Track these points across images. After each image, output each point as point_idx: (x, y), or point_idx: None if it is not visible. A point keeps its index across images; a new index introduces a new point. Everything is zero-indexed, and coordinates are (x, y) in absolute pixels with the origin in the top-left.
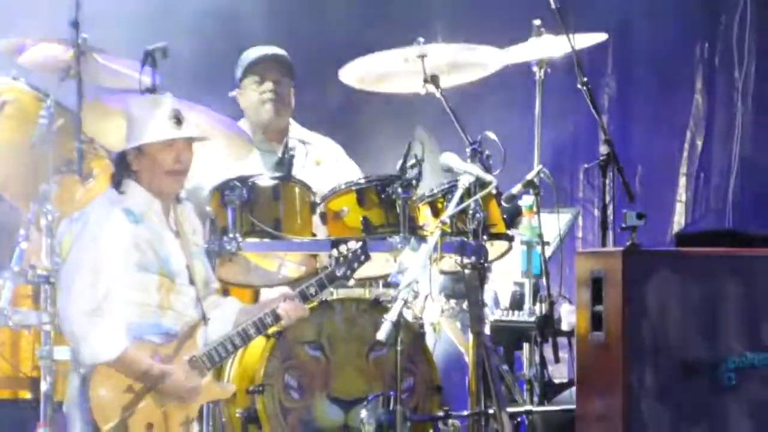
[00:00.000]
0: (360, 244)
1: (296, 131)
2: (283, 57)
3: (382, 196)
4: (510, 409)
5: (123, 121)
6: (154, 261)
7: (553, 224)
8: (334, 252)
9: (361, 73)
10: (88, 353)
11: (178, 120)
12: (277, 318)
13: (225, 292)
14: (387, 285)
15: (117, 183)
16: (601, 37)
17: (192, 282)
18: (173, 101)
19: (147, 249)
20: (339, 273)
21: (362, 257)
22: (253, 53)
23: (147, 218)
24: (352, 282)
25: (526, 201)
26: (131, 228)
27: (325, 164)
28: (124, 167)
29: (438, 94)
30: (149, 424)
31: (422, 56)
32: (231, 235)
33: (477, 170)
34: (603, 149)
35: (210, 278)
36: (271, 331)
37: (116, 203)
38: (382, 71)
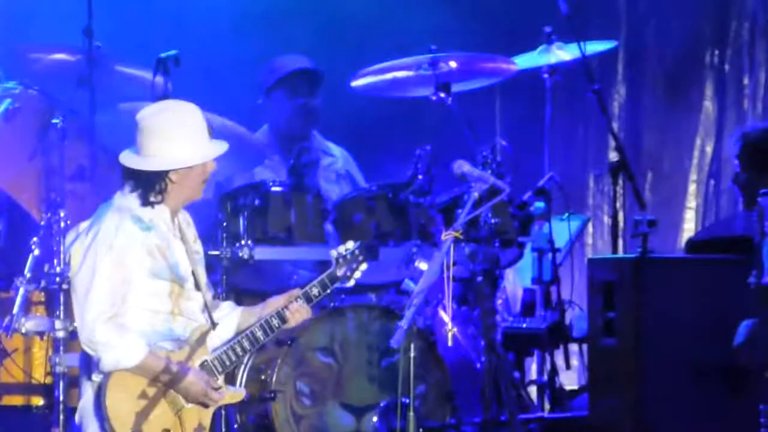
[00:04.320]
0: (358, 244)
1: (319, 141)
2: (316, 72)
3: (394, 203)
4: (522, 416)
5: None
6: (165, 268)
7: (564, 231)
8: (334, 253)
9: (372, 81)
10: (111, 360)
11: (211, 134)
12: (283, 320)
13: (238, 300)
14: (399, 292)
15: (145, 201)
16: (610, 44)
17: (198, 288)
18: (201, 114)
19: (158, 256)
20: (340, 273)
21: (361, 257)
22: (286, 64)
23: (156, 225)
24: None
25: (537, 208)
26: (142, 235)
27: (344, 174)
28: (161, 186)
29: (449, 102)
30: (165, 430)
31: (434, 64)
32: (243, 242)
33: (490, 178)
34: (613, 156)
35: (208, 286)
36: (283, 337)
37: (125, 211)
38: (393, 79)
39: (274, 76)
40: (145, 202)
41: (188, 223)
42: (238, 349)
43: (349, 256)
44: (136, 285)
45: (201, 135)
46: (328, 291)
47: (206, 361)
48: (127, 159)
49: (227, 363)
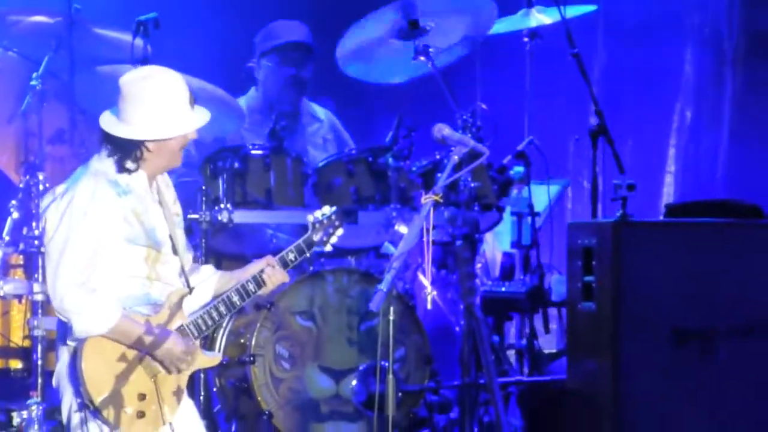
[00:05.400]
0: (334, 209)
1: (306, 106)
2: (308, 43)
3: (374, 167)
4: (501, 380)
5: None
6: (141, 233)
7: (543, 195)
8: (310, 218)
9: (355, 46)
10: (82, 327)
11: (193, 103)
12: (258, 284)
13: (218, 263)
14: (379, 256)
15: (121, 167)
16: (591, 8)
17: (176, 252)
18: (184, 83)
19: (134, 221)
20: (316, 238)
21: (337, 222)
22: (282, 33)
23: (133, 190)
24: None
25: (517, 172)
26: (118, 201)
27: (331, 139)
28: (137, 154)
29: (428, 63)
30: (141, 395)
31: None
32: (222, 205)
33: (471, 141)
34: (593, 120)
35: (188, 247)
36: (262, 301)
37: (100, 175)
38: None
39: (268, 43)
40: (121, 169)
41: (167, 185)
42: (215, 314)
43: (325, 221)
44: (111, 251)
45: (182, 105)
46: (305, 256)
47: (182, 325)
48: (106, 123)
49: (203, 327)
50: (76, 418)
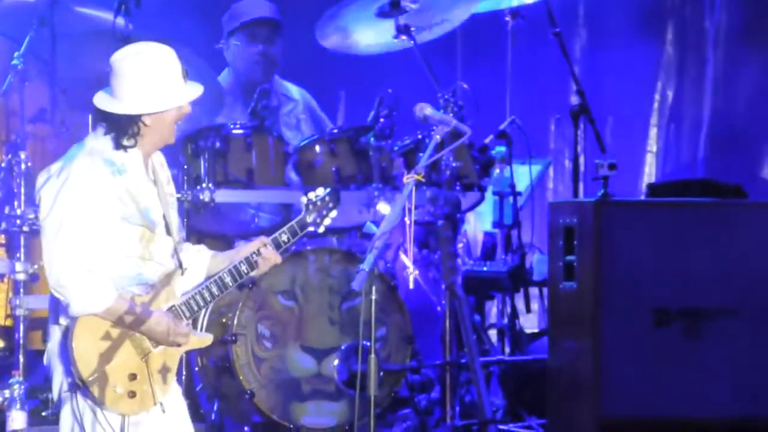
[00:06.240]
0: (329, 190)
1: (279, 85)
2: (276, 19)
3: (355, 146)
4: (482, 359)
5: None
6: (135, 212)
7: (525, 175)
8: (304, 199)
9: (336, 30)
10: (80, 305)
11: (186, 77)
12: (251, 266)
13: (199, 242)
14: (361, 235)
15: (118, 144)
16: None
17: (169, 232)
18: (177, 57)
19: (129, 201)
20: (310, 220)
21: (331, 204)
22: (247, 11)
23: (128, 169)
24: (321, 230)
25: (499, 152)
26: (113, 180)
27: (305, 118)
28: (134, 130)
29: (410, 42)
30: (132, 374)
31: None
32: (204, 185)
33: (453, 120)
34: (574, 100)
35: (180, 227)
36: (244, 280)
37: (96, 154)
38: (355, 26)
39: (234, 21)
40: (118, 146)
41: (162, 165)
42: (206, 294)
43: (319, 203)
44: (105, 230)
45: (176, 78)
46: (298, 237)
47: (174, 305)
48: (100, 101)
49: (195, 308)
50: (66, 396)
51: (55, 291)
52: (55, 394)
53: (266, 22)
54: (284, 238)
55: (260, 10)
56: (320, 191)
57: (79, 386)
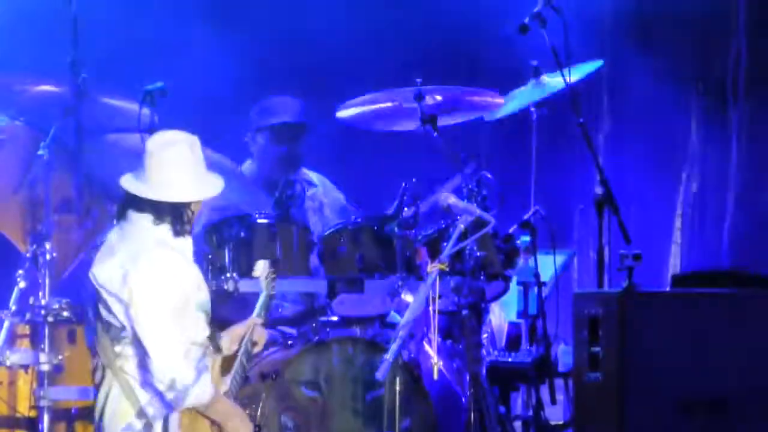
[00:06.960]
0: (266, 262)
1: (301, 173)
2: (303, 123)
3: (379, 235)
4: None
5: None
6: (206, 300)
7: (549, 265)
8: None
9: (357, 112)
10: (194, 396)
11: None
12: (254, 345)
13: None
14: (384, 325)
15: (178, 231)
16: (597, 64)
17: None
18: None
19: (204, 289)
20: (273, 292)
21: (273, 271)
22: (275, 112)
23: (190, 256)
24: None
25: (523, 241)
26: (190, 269)
27: (327, 202)
28: (188, 215)
29: (435, 134)
30: None
31: (419, 97)
32: (228, 274)
33: (476, 210)
34: (599, 190)
35: None
36: (267, 371)
37: (165, 244)
38: (379, 111)
39: (262, 120)
40: (177, 233)
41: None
42: (238, 378)
43: (268, 274)
44: (194, 319)
45: (203, 168)
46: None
47: (229, 390)
48: (143, 190)
49: (236, 392)
50: None
51: (162, 384)
52: None
53: (293, 125)
54: (262, 314)
55: (288, 113)
56: (260, 264)
57: None
